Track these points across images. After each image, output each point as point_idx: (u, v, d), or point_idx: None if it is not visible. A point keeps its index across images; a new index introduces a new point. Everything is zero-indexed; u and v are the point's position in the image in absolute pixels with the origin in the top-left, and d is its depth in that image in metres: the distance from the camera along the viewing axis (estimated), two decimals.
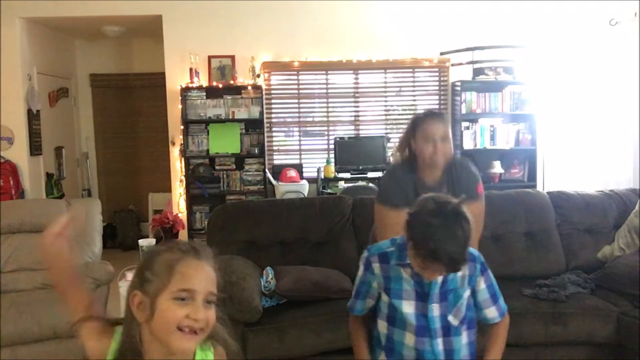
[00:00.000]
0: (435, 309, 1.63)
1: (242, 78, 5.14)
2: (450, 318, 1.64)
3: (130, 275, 3.07)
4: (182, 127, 5.12)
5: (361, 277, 1.73)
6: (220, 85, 5.09)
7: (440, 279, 1.59)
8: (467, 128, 5.12)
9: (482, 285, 1.68)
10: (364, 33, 5.25)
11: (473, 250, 1.63)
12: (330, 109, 5.48)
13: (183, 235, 4.96)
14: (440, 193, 2.06)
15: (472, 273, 1.65)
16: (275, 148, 5.47)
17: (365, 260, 1.72)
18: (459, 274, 1.61)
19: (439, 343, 1.65)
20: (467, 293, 1.67)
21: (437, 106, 5.44)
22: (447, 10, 5.26)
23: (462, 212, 1.47)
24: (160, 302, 1.14)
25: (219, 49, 5.19)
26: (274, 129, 5.46)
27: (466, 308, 1.68)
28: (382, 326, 1.72)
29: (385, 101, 5.45)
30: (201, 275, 1.18)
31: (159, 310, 1.14)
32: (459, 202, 1.49)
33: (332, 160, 5.19)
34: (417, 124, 2.31)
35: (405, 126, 2.38)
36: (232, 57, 5.19)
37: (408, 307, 1.64)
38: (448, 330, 1.65)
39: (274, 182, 5.08)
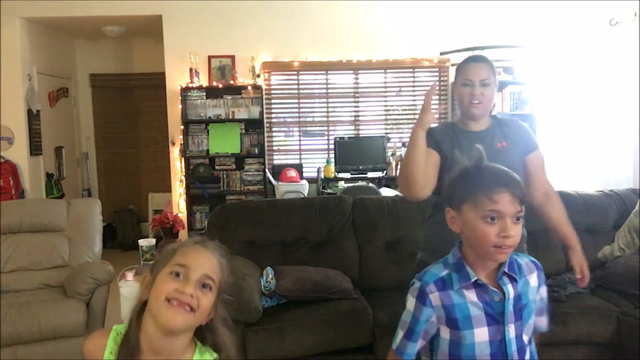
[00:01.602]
0: (511, 330, 1.37)
1: (242, 78, 5.14)
2: (525, 337, 1.40)
3: (130, 275, 3.07)
4: (182, 127, 5.12)
5: (414, 314, 1.40)
6: (220, 85, 5.09)
7: (512, 294, 1.37)
8: None
9: (542, 294, 1.47)
10: (364, 33, 5.25)
11: (533, 259, 1.48)
12: (330, 109, 5.48)
13: (183, 235, 4.97)
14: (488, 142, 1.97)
15: (541, 282, 1.45)
16: (275, 148, 5.47)
17: (419, 292, 1.39)
18: (531, 284, 1.41)
19: None
20: (533, 307, 1.44)
21: (436, 106, 5.44)
22: (447, 10, 5.27)
23: (483, 153, 1.40)
24: (160, 277, 1.21)
25: (219, 49, 5.19)
26: (274, 129, 5.46)
27: None
28: None
29: (385, 101, 5.46)
30: (200, 257, 1.23)
31: (156, 284, 1.20)
32: (477, 149, 1.40)
33: (332, 160, 5.19)
34: (458, 69, 2.10)
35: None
36: (232, 57, 5.19)
37: (481, 336, 1.36)
38: (522, 352, 1.40)
39: (274, 182, 5.08)
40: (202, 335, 1.27)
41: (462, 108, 2.07)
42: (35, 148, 5.34)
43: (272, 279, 2.90)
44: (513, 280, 1.38)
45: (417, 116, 2.07)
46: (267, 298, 2.87)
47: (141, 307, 1.23)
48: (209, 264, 1.24)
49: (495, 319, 1.36)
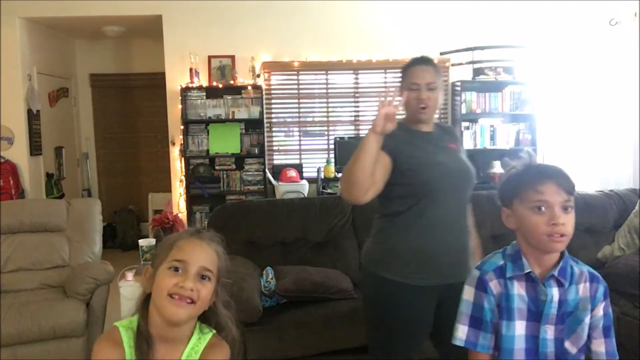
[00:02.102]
0: (548, 331, 1.39)
1: (242, 78, 5.14)
2: (568, 345, 1.40)
3: (130, 275, 3.07)
4: (182, 127, 5.12)
5: (476, 302, 1.42)
6: (220, 85, 5.09)
7: (556, 298, 1.38)
8: (467, 128, 5.12)
9: (600, 311, 1.44)
10: (364, 33, 5.25)
11: (595, 272, 1.46)
12: (330, 109, 5.48)
13: None
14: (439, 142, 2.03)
15: (594, 294, 1.43)
16: (275, 148, 5.47)
17: (479, 280, 1.42)
18: (580, 294, 1.41)
19: None
20: (588, 318, 1.43)
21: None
22: (447, 10, 5.27)
23: (533, 156, 1.49)
24: (160, 272, 1.27)
25: (219, 49, 5.19)
26: (274, 129, 5.45)
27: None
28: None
29: None
30: (196, 250, 1.29)
31: (157, 279, 1.26)
32: (527, 152, 1.49)
33: (332, 160, 5.19)
34: (403, 72, 2.07)
35: None
36: (232, 57, 5.19)
37: (520, 329, 1.40)
38: (564, 358, 1.41)
39: (274, 182, 5.08)
40: (205, 316, 1.35)
41: (410, 111, 2.05)
42: (35, 148, 5.34)
43: (272, 279, 2.91)
44: (560, 285, 1.40)
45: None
46: (267, 298, 2.87)
47: (145, 299, 1.29)
48: (205, 255, 1.29)
49: (535, 316, 1.40)
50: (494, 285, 1.41)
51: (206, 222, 4.52)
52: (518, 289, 1.40)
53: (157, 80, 5.59)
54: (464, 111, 5.06)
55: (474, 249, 2.11)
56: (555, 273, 1.38)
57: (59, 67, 6.06)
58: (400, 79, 2.11)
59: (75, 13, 5.12)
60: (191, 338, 1.31)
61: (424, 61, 2.06)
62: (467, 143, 5.08)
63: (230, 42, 5.18)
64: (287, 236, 3.25)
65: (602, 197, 3.52)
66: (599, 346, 1.45)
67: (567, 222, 1.35)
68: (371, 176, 1.85)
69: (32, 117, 5.26)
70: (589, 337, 1.45)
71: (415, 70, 2.03)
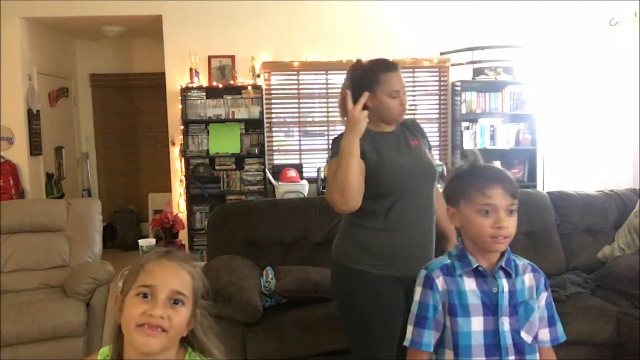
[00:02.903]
0: (505, 323, 1.42)
1: (242, 78, 5.14)
2: (523, 334, 1.44)
3: None
4: (182, 127, 5.12)
5: (422, 300, 1.46)
6: (220, 85, 5.09)
7: (507, 288, 1.43)
8: (467, 128, 5.12)
9: (542, 301, 1.50)
10: (364, 33, 5.25)
11: (534, 264, 1.53)
12: (330, 109, 5.48)
13: (183, 235, 4.96)
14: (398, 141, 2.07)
15: (538, 284, 1.49)
16: (275, 148, 5.47)
17: (425, 278, 1.47)
18: (526, 284, 1.46)
19: None
20: (536, 307, 1.49)
21: (437, 106, 5.44)
22: (447, 10, 5.26)
23: (478, 155, 1.51)
24: (128, 299, 1.16)
25: (219, 49, 5.19)
26: (274, 129, 5.45)
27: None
28: (448, 355, 1.46)
29: None
30: (166, 273, 1.17)
31: (125, 307, 1.16)
32: (472, 152, 1.51)
33: None
34: (375, 78, 2.02)
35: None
36: (232, 57, 5.19)
37: (477, 325, 1.42)
38: (521, 348, 1.44)
39: (274, 182, 5.08)
40: (189, 341, 1.25)
41: (391, 116, 2.07)
42: (35, 148, 5.34)
43: (272, 279, 2.91)
44: (508, 275, 1.45)
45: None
46: (267, 298, 2.87)
47: (118, 329, 1.19)
48: (176, 278, 1.18)
49: (491, 309, 1.43)
50: (440, 282, 1.45)
51: (206, 222, 4.52)
52: (469, 285, 1.44)
53: (157, 80, 5.59)
54: (464, 111, 5.06)
55: (449, 237, 2.19)
56: (503, 264, 1.44)
57: (59, 67, 6.06)
58: (362, 81, 2.04)
59: (75, 13, 5.12)
60: None
61: (395, 66, 2.08)
62: (467, 143, 5.08)
63: (230, 42, 5.18)
64: (287, 236, 3.25)
65: (602, 197, 3.52)
66: (544, 335, 1.51)
67: (511, 225, 1.40)
68: (362, 180, 1.94)
69: (32, 117, 5.26)
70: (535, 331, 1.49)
71: (392, 77, 2.04)
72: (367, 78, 2.05)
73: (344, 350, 2.71)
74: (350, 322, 2.11)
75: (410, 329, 1.47)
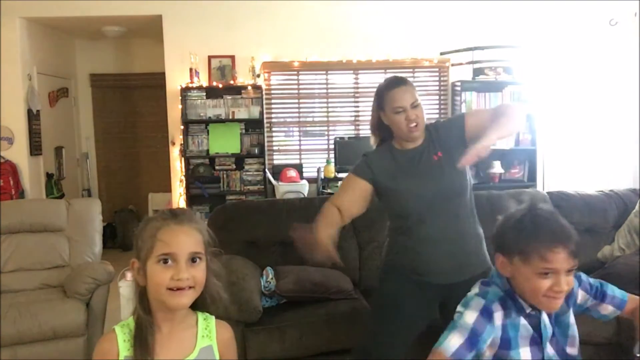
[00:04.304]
0: (550, 348, 1.40)
1: (242, 78, 5.14)
2: (569, 350, 1.43)
3: (130, 275, 3.07)
4: (182, 127, 5.12)
5: (476, 327, 1.35)
6: (220, 85, 5.09)
7: (547, 320, 1.41)
8: None
9: (581, 295, 1.49)
10: (364, 33, 5.25)
11: None
12: (330, 109, 5.48)
13: None
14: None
15: (568, 295, 1.43)
16: (275, 148, 5.47)
17: (484, 308, 1.37)
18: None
19: None
20: (572, 316, 1.46)
21: (437, 106, 5.44)
22: (447, 10, 5.27)
23: (537, 198, 1.42)
24: (149, 266, 1.25)
25: (219, 49, 5.19)
26: (274, 129, 5.45)
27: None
28: None
29: None
30: (181, 238, 1.26)
31: (149, 274, 1.25)
32: (531, 195, 1.44)
33: (332, 160, 5.19)
34: (382, 97, 2.09)
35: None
36: (232, 57, 5.19)
37: (525, 354, 1.39)
38: None
39: (274, 182, 5.08)
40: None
41: (400, 134, 2.09)
42: (35, 148, 5.34)
43: (272, 279, 2.90)
44: None
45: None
46: (267, 298, 2.87)
47: (142, 290, 1.29)
48: (190, 239, 1.27)
49: (536, 339, 1.39)
50: (498, 316, 1.37)
51: (206, 222, 4.52)
52: (523, 321, 1.40)
53: (157, 80, 5.59)
54: (464, 111, 5.06)
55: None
56: None
57: (59, 67, 6.06)
58: (376, 101, 2.14)
59: (75, 13, 5.12)
60: (198, 321, 1.33)
61: (401, 82, 2.09)
62: None
63: (230, 42, 5.18)
64: (287, 236, 3.23)
65: (602, 197, 3.52)
66: (606, 309, 1.50)
67: (569, 283, 1.32)
68: (341, 212, 2.13)
69: (32, 117, 5.26)
70: (594, 312, 1.50)
71: (396, 93, 2.05)
72: (378, 98, 2.12)
73: (344, 350, 2.71)
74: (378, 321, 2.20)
75: (456, 339, 1.35)
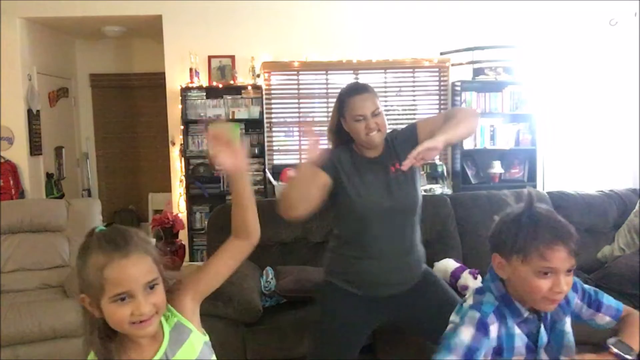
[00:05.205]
0: (543, 355, 1.39)
1: (242, 78, 5.14)
2: (563, 358, 1.41)
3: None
4: (182, 127, 5.12)
5: (473, 344, 1.30)
6: (220, 85, 5.09)
7: (542, 328, 1.39)
8: None
9: (579, 301, 1.46)
10: (364, 33, 5.25)
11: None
12: (330, 109, 5.46)
13: (183, 235, 4.97)
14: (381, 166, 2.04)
15: (565, 302, 1.41)
16: (275, 148, 5.47)
17: (479, 322, 1.33)
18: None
19: None
20: (568, 324, 1.43)
21: (437, 106, 5.44)
22: (447, 10, 5.26)
23: (535, 196, 1.36)
24: (104, 305, 1.16)
25: (219, 49, 5.19)
26: (274, 129, 5.45)
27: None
28: None
29: (385, 101, 5.45)
30: (132, 273, 1.16)
31: (106, 312, 1.17)
32: (529, 193, 1.36)
33: None
34: (343, 102, 2.05)
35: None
36: (232, 57, 5.19)
37: None
38: None
39: (274, 182, 5.07)
40: None
41: (360, 141, 2.05)
42: (35, 148, 5.34)
43: (272, 279, 2.91)
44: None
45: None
46: (267, 298, 2.87)
47: (102, 323, 1.20)
48: (142, 270, 1.17)
49: (531, 348, 1.37)
50: (494, 329, 1.34)
51: (206, 222, 4.52)
52: (518, 330, 1.37)
53: (157, 80, 5.59)
54: None
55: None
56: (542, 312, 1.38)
57: (59, 67, 6.06)
58: (337, 105, 2.11)
59: (75, 13, 5.12)
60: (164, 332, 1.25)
61: (361, 89, 2.05)
62: (467, 143, 5.07)
63: (230, 42, 5.18)
64: (287, 236, 3.25)
65: (602, 197, 3.52)
66: (603, 319, 1.48)
67: (569, 283, 1.30)
68: (306, 196, 1.91)
69: (32, 117, 5.26)
70: (591, 322, 1.49)
71: (355, 101, 2.02)
72: (339, 103, 2.08)
73: None
74: (314, 329, 2.22)
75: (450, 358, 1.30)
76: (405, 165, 1.78)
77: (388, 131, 2.10)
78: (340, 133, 2.10)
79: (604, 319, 1.48)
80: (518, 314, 1.35)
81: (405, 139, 2.08)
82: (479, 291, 1.42)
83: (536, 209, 1.33)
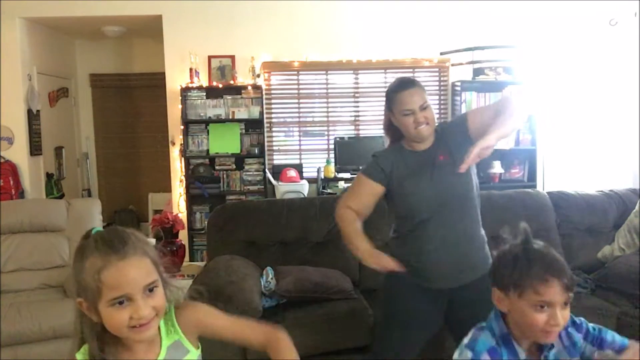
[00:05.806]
0: None
1: (242, 78, 5.14)
2: None
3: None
4: (182, 127, 5.12)
5: None
6: (220, 85, 5.09)
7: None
8: None
9: (586, 345, 1.48)
10: (364, 33, 5.25)
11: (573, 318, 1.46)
12: (330, 109, 5.48)
13: (183, 235, 4.96)
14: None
15: (575, 341, 1.44)
16: (275, 148, 5.47)
17: None
18: (559, 346, 1.42)
19: None
20: None
21: (437, 106, 5.44)
22: (447, 10, 5.26)
23: (529, 232, 1.40)
24: (102, 309, 1.13)
25: (219, 49, 5.19)
26: (274, 129, 5.46)
27: None
28: None
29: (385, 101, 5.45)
30: (130, 275, 1.13)
31: (104, 316, 1.14)
32: (524, 229, 1.40)
33: (332, 160, 5.19)
34: (391, 98, 2.11)
35: None
36: (232, 57, 5.19)
37: None
38: None
39: (274, 182, 5.08)
40: None
41: (409, 135, 2.09)
42: (35, 148, 5.34)
43: (272, 279, 2.91)
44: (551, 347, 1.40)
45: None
46: (267, 298, 2.87)
47: (100, 326, 1.17)
48: (141, 272, 1.14)
49: None
50: None
51: (206, 222, 4.53)
52: None
53: (157, 80, 5.59)
54: (464, 111, 5.05)
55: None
56: (548, 354, 1.39)
57: (59, 67, 6.06)
58: (386, 102, 2.16)
59: (75, 13, 5.12)
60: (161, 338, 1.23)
61: (408, 84, 2.09)
62: None
63: (230, 42, 5.18)
64: (287, 236, 3.25)
65: (602, 197, 3.52)
66: (606, 356, 1.46)
67: (565, 317, 1.33)
68: (360, 213, 2.15)
69: (32, 117, 5.26)
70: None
71: (402, 96, 2.06)
72: (387, 99, 2.14)
73: (344, 350, 2.72)
74: (387, 323, 2.25)
75: None
76: (463, 168, 1.85)
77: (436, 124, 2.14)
78: (394, 129, 2.15)
79: (607, 355, 1.48)
80: (514, 354, 1.37)
81: (455, 130, 2.12)
82: (480, 328, 1.45)
83: (531, 245, 1.38)
